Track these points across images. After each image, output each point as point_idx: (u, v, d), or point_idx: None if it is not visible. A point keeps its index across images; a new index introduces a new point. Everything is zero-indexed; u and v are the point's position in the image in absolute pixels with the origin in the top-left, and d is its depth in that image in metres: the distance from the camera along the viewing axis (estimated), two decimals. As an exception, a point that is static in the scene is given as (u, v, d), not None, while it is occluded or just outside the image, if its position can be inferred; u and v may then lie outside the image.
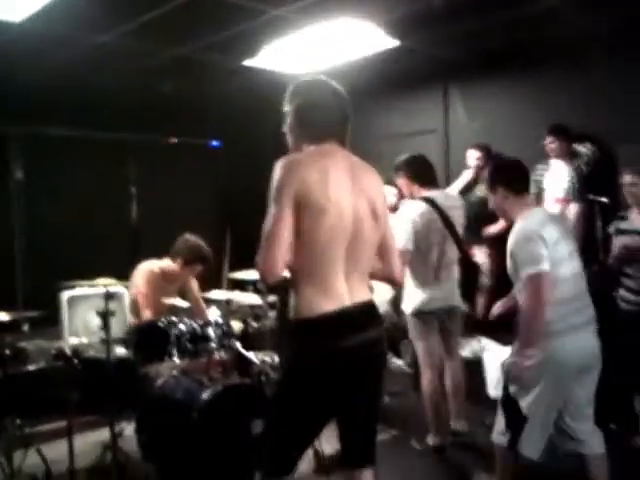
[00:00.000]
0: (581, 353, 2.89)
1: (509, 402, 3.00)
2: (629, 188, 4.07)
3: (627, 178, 4.09)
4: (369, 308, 2.36)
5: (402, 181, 4.12)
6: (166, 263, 4.59)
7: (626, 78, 5.10)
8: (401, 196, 4.46)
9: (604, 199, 4.59)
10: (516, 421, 2.96)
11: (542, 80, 5.67)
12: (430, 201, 3.96)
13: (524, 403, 2.93)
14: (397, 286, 2.72)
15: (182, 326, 3.81)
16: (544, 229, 2.87)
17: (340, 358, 2.21)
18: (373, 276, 2.46)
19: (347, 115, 2.41)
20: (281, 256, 2.14)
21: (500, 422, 3.07)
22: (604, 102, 5.19)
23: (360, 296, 2.30)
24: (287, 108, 2.42)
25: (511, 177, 3.13)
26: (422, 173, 4.09)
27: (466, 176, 5.88)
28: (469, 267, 4.14)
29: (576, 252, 3.01)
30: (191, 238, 4.61)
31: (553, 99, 5.55)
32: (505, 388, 3.05)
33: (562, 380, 2.89)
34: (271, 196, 2.20)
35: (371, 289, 2.44)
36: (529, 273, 2.80)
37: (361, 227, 2.28)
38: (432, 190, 4.06)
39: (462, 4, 4.57)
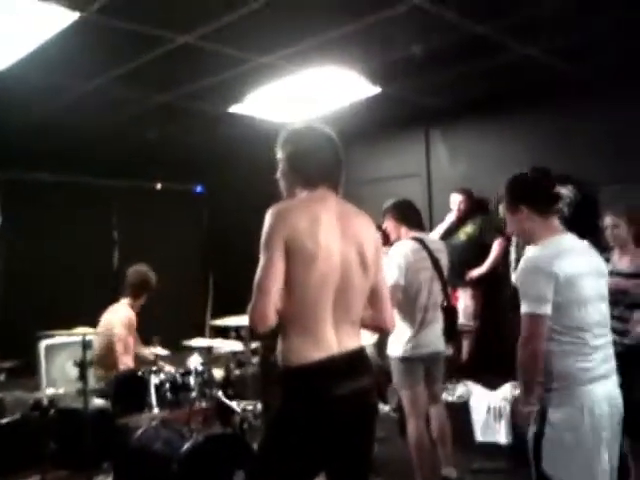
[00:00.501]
0: (613, 403, 2.51)
1: None
2: (611, 230, 4.09)
3: (608, 220, 4.12)
4: (359, 356, 2.32)
5: (390, 223, 4.16)
6: (126, 305, 4.48)
7: (608, 121, 5.17)
8: (385, 241, 4.48)
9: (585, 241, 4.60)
10: None
11: (523, 124, 5.76)
12: (420, 241, 3.99)
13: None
14: (386, 334, 2.62)
15: (162, 375, 3.75)
16: (559, 262, 2.47)
17: (330, 406, 2.18)
18: (363, 323, 2.41)
19: (340, 160, 2.40)
20: (272, 305, 2.13)
21: None
22: (586, 145, 5.27)
23: (349, 344, 2.27)
24: (279, 155, 2.42)
25: (537, 194, 2.67)
26: (409, 216, 4.15)
27: (449, 219, 5.92)
28: (451, 311, 4.14)
29: (606, 293, 2.63)
30: (131, 269, 4.50)
31: (535, 143, 5.63)
32: (538, 470, 2.50)
33: (601, 437, 2.44)
34: (262, 244, 2.18)
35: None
36: (527, 312, 2.49)
37: (350, 275, 2.26)
38: (419, 233, 4.11)
39: (441, 53, 4.65)
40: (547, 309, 2.45)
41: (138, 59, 4.64)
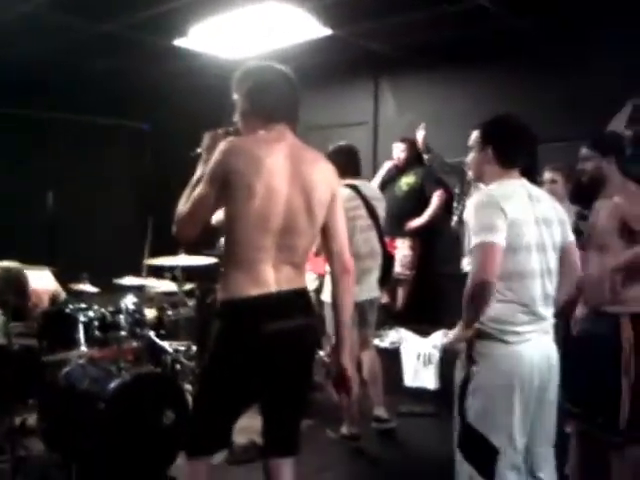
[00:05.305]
0: (543, 356, 2.41)
1: (473, 438, 2.39)
2: (548, 185, 4.14)
3: (547, 175, 4.17)
4: (297, 296, 2.33)
5: None
6: None
7: (558, 75, 5.16)
8: None
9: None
10: (488, 460, 2.35)
11: (472, 76, 5.73)
12: (354, 187, 3.94)
13: (492, 430, 2.35)
14: (348, 274, 2.55)
15: (91, 313, 3.68)
16: (509, 202, 2.36)
17: (260, 342, 2.22)
18: (330, 263, 2.43)
19: (297, 96, 2.43)
20: (194, 230, 2.32)
21: (465, 471, 2.42)
22: (534, 100, 5.25)
23: (289, 285, 2.28)
24: (237, 95, 2.39)
25: (507, 145, 2.53)
26: (346, 163, 4.01)
27: (385, 167, 5.90)
28: (388, 259, 4.15)
29: (556, 249, 2.49)
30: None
31: (482, 95, 5.60)
32: (462, 420, 2.44)
33: (529, 391, 2.37)
34: (206, 174, 2.26)
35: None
36: (477, 242, 2.33)
37: (295, 218, 2.25)
38: (355, 180, 4.04)
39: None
40: (499, 238, 2.31)
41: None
